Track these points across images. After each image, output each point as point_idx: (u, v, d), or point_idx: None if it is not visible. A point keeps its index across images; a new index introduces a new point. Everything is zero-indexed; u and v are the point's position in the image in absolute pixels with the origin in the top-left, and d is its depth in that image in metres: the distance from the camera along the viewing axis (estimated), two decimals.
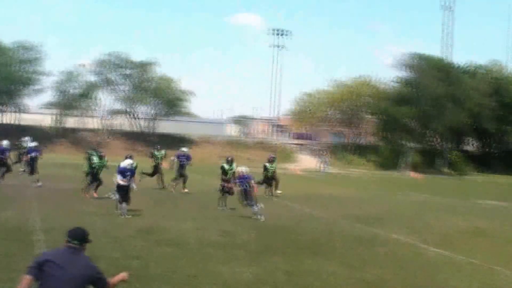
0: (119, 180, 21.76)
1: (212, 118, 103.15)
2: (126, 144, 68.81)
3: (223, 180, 26.23)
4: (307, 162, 69.21)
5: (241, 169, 24.10)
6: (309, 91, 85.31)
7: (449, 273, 16.29)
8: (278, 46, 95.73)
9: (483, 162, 72.39)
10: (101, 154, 28.45)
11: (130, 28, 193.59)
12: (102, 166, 27.69)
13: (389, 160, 69.13)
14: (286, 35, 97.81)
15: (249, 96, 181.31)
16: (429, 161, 71.10)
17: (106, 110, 77.00)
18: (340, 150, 75.08)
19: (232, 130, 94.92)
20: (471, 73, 74.62)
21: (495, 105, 70.14)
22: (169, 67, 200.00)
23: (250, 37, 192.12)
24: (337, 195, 35.22)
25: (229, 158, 27.55)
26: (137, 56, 76.54)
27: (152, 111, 76.93)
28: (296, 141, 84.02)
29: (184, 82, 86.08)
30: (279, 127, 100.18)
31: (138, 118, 76.55)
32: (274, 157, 34.27)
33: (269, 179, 32.83)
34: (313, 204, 27.89)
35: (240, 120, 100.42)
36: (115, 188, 22.20)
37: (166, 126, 76.56)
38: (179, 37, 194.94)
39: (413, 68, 71.79)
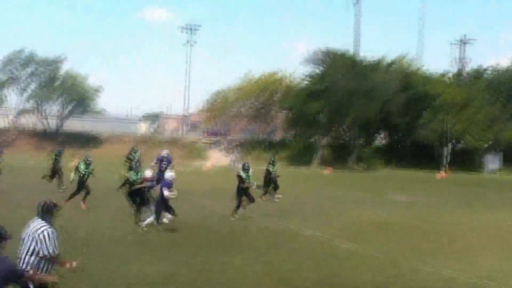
0: (167, 193, 21.02)
1: (124, 115, 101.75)
2: (34, 143, 67.51)
3: (241, 188, 24.72)
4: (219, 158, 69.16)
5: (149, 173, 23.17)
6: (221, 88, 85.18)
7: (356, 266, 16.72)
8: (188, 42, 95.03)
9: (393, 156, 73.43)
10: (88, 161, 26.76)
11: (38, 24, 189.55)
12: (89, 174, 26.31)
13: (301, 155, 69.50)
14: (197, 29, 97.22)
15: (161, 93, 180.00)
16: (340, 156, 71.76)
17: (13, 109, 75.29)
18: (252, 146, 75.18)
19: (144, 128, 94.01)
20: (381, 67, 75.66)
21: (405, 99, 71.36)
22: (78, 64, 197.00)
23: (161, 33, 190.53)
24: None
25: (246, 166, 25.78)
26: (46, 53, 74.89)
27: (60, 109, 75.43)
28: (208, 138, 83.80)
29: (94, 79, 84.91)
30: (192, 124, 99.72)
31: (46, 117, 74.97)
32: (273, 159, 33.65)
33: (269, 182, 32.04)
34: (225, 200, 27.90)
35: (152, 117, 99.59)
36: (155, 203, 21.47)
37: (76, 125, 75.33)
38: (89, 33, 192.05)
39: (323, 63, 72.47)
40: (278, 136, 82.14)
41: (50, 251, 9.08)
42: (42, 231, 9.08)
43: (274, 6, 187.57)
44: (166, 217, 20.78)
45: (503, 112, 74.77)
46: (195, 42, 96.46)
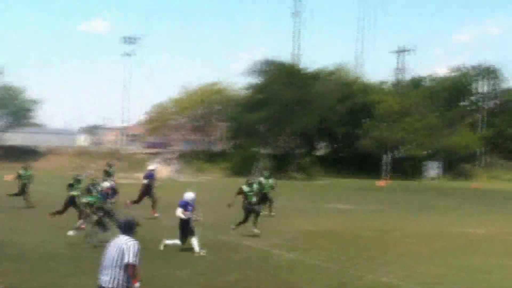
0: (180, 213, 20.00)
1: (62, 128, 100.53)
2: None
3: (247, 204, 23.60)
4: (159, 170, 68.54)
5: (107, 184, 22.30)
6: (161, 100, 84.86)
7: (298, 275, 16.52)
8: (128, 54, 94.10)
9: (333, 165, 73.92)
10: (79, 177, 25.34)
11: None
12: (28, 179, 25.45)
13: (241, 166, 69.37)
14: (137, 41, 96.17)
15: (101, 105, 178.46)
16: (281, 165, 71.85)
17: None
18: (192, 158, 74.86)
19: (83, 140, 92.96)
20: (322, 78, 76.09)
21: (345, 109, 71.83)
22: (17, 77, 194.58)
23: (102, 45, 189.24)
24: None
25: (250, 180, 24.44)
26: None
27: None
28: (148, 150, 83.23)
29: (34, 92, 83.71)
30: (131, 136, 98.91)
31: None
32: (268, 173, 32.18)
33: (264, 198, 29.68)
34: (162, 212, 27.51)
35: (91, 130, 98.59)
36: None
37: (15, 137, 74.10)
38: (29, 46, 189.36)
39: (264, 73, 72.53)
40: (218, 147, 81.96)
41: (131, 260, 9.75)
42: (127, 243, 9.85)
43: (217, 17, 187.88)
44: (194, 245, 19.57)
45: (441, 120, 75.93)
46: (135, 54, 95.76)
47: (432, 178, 71.94)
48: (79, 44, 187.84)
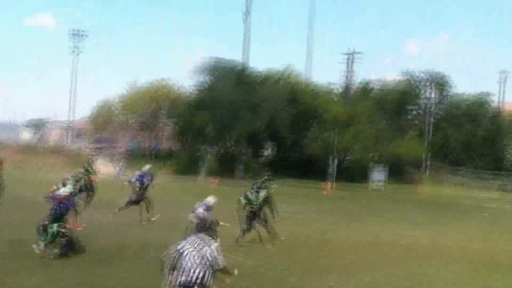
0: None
1: (5, 122, 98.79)
2: None
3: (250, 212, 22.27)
4: (104, 168, 67.87)
5: (66, 190, 19.95)
6: (108, 96, 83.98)
7: (241, 278, 16.32)
8: (75, 49, 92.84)
9: (280, 169, 73.79)
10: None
11: None
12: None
13: (187, 166, 69.05)
14: (84, 36, 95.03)
15: (48, 100, 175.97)
16: (227, 168, 71.66)
17: None
18: (138, 156, 74.22)
19: (27, 135, 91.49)
20: (270, 80, 76.15)
21: (293, 113, 71.94)
22: None
23: (48, 39, 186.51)
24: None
25: (257, 186, 23.40)
26: None
27: None
28: (94, 147, 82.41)
29: None
30: (77, 132, 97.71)
31: None
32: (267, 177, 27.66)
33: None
34: (104, 211, 26.93)
35: (36, 124, 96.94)
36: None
37: None
38: None
39: (212, 74, 72.31)
40: (166, 146, 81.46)
41: (220, 264, 9.99)
42: (211, 244, 10.00)
43: (168, 16, 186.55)
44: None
45: (389, 126, 76.58)
46: (82, 50, 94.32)
47: (378, 185, 72.36)
48: (25, 39, 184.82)
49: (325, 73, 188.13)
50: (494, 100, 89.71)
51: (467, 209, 47.86)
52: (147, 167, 28.12)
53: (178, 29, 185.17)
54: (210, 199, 20.50)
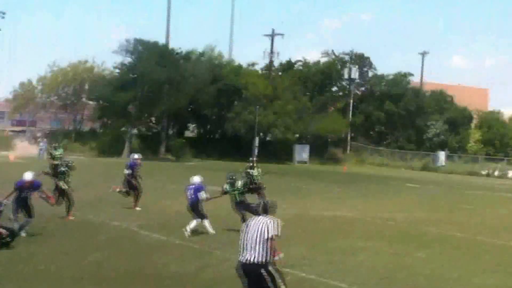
0: (204, 196, 20.51)
1: None
2: None
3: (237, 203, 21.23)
4: (25, 149, 66.82)
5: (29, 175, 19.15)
6: (29, 77, 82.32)
7: (166, 256, 16.45)
8: None
9: (203, 147, 73.87)
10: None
11: None
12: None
13: (111, 146, 68.41)
14: (3, 16, 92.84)
15: None
16: (151, 146, 71.28)
17: None
18: (60, 137, 73.14)
19: None
20: (193, 58, 75.92)
21: (215, 91, 71.84)
22: None
23: None
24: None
25: (231, 177, 21.53)
26: None
27: None
28: (15, 128, 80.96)
29: None
30: None
31: None
32: (252, 164, 27.06)
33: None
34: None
35: None
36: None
37: None
38: None
39: (135, 53, 71.58)
40: (87, 127, 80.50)
41: (274, 233, 10.47)
42: (267, 221, 10.59)
43: None
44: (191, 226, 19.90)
45: (311, 104, 77.38)
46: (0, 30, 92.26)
47: (302, 162, 73.05)
48: None
49: (248, 54, 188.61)
50: (413, 80, 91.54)
51: (388, 185, 48.71)
52: (136, 156, 27.34)
53: (99, 8, 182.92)
54: (197, 178, 20.84)
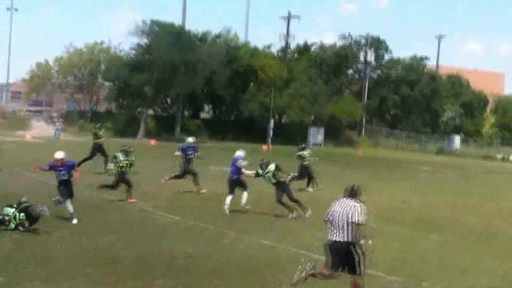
0: (247, 172, 21.60)
1: None
2: None
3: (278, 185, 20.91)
4: (42, 129, 67.14)
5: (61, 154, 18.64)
6: (46, 57, 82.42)
7: (179, 237, 16.58)
8: (10, 8, 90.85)
9: (218, 129, 73.94)
10: (128, 150, 22.57)
11: None
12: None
13: (126, 127, 68.61)
14: None
15: None
16: (166, 128, 71.50)
17: None
18: (76, 118, 73.45)
19: None
20: (208, 40, 75.96)
21: (230, 73, 71.77)
22: None
23: None
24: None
25: (264, 161, 21.38)
26: None
27: None
28: (31, 108, 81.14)
29: None
30: (14, 93, 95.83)
31: None
32: (303, 145, 29.16)
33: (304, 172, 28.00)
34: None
35: None
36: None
37: None
38: None
39: (150, 35, 71.61)
40: (103, 108, 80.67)
41: (360, 219, 11.06)
42: (355, 204, 11.21)
43: None
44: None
45: (327, 87, 77.28)
46: (17, 10, 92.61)
47: (316, 144, 72.98)
48: None
49: (264, 37, 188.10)
50: (429, 63, 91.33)
51: (402, 169, 48.66)
52: (190, 139, 27.06)
53: None
54: (241, 153, 22.16)
